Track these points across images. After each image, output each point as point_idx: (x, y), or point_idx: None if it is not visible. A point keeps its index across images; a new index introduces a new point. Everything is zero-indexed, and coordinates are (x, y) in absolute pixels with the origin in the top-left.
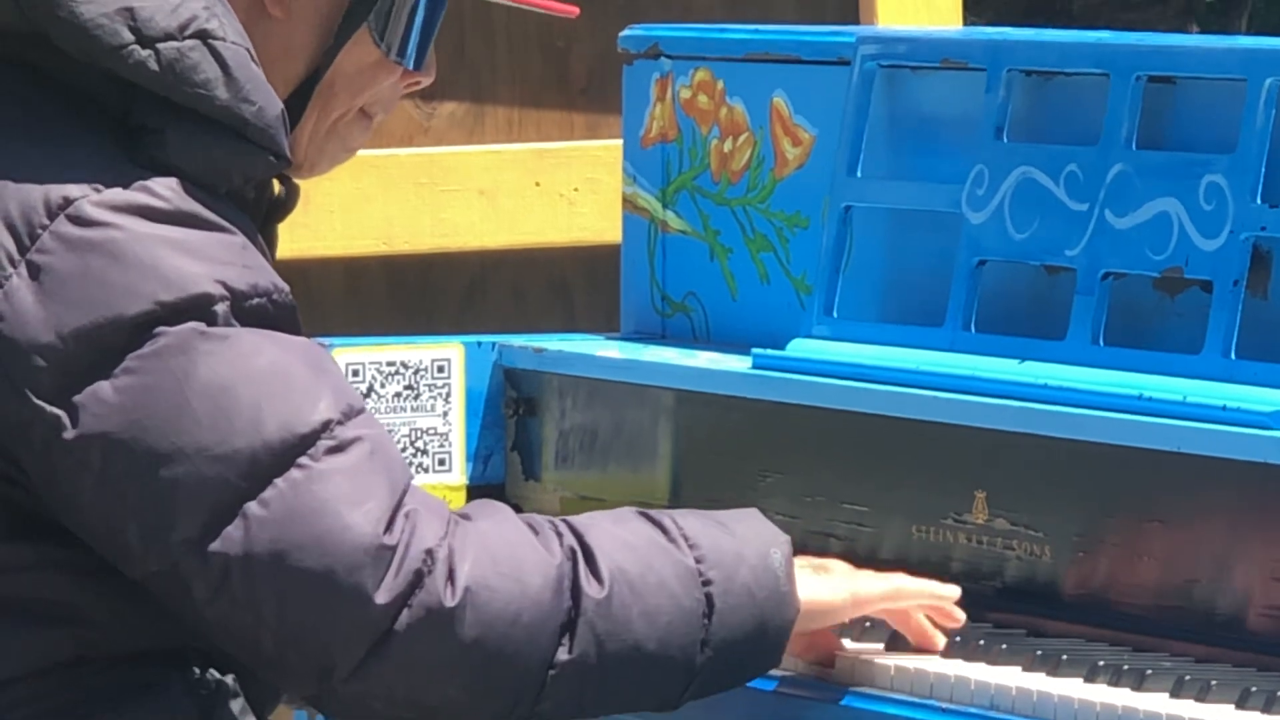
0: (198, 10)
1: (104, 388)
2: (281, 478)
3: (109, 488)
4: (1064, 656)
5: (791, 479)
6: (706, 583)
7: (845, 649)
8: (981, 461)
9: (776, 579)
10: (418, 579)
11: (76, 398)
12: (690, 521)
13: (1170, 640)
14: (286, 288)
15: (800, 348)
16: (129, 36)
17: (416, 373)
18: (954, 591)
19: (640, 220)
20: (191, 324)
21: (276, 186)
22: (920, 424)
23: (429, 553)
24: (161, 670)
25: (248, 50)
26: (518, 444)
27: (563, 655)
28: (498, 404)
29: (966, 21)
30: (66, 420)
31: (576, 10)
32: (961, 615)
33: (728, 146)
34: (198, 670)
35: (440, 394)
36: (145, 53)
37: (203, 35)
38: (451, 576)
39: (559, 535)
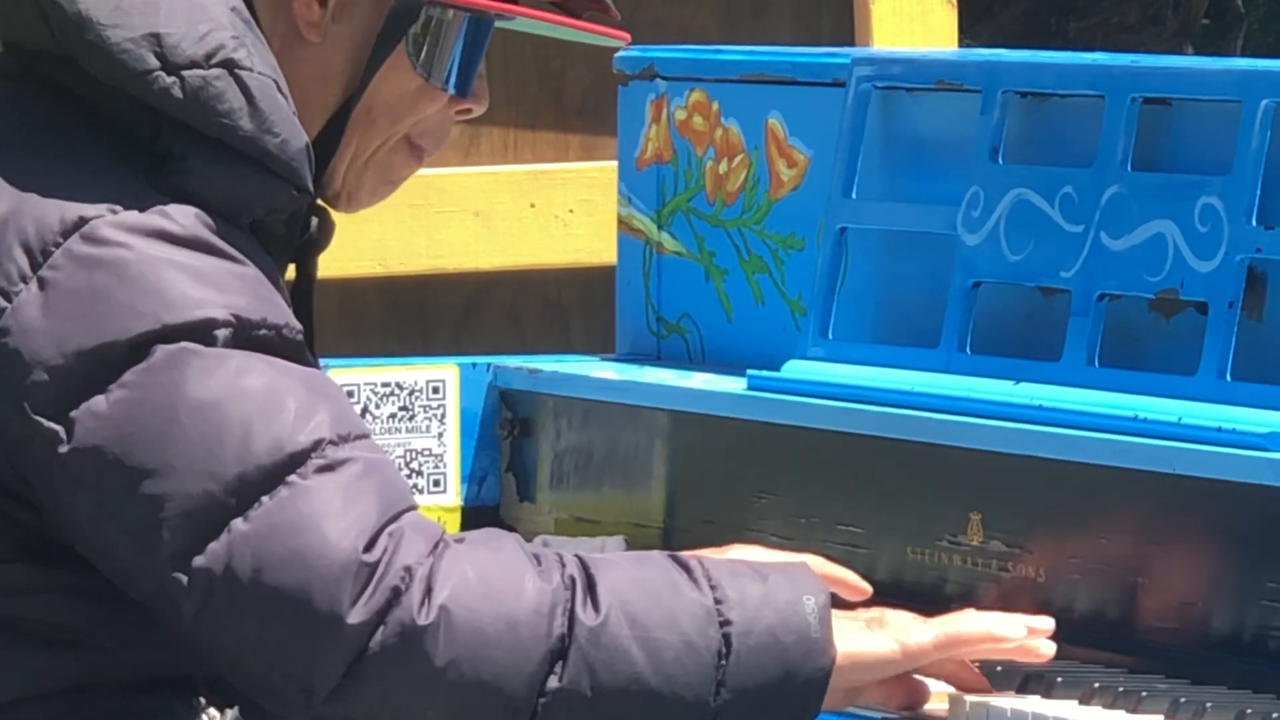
0: (225, 39)
1: (99, 402)
2: (269, 495)
3: (102, 503)
4: (1059, 679)
5: (786, 500)
6: (725, 623)
7: (930, 693)
8: (976, 483)
9: (807, 625)
10: (394, 596)
11: (74, 413)
12: (719, 565)
13: (1165, 662)
14: (298, 325)
15: (795, 369)
16: (154, 63)
17: (411, 394)
18: (1017, 632)
19: (635, 241)
20: (186, 343)
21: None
22: (915, 445)
23: (408, 570)
24: (166, 698)
25: (275, 82)
26: (513, 465)
27: (553, 683)
28: (493, 425)
29: (961, 43)
30: (63, 435)
31: (628, 36)
32: (1050, 649)
33: (723, 168)
34: (202, 700)
35: (435, 415)
36: (170, 80)
37: (229, 65)
38: (429, 595)
39: (561, 566)
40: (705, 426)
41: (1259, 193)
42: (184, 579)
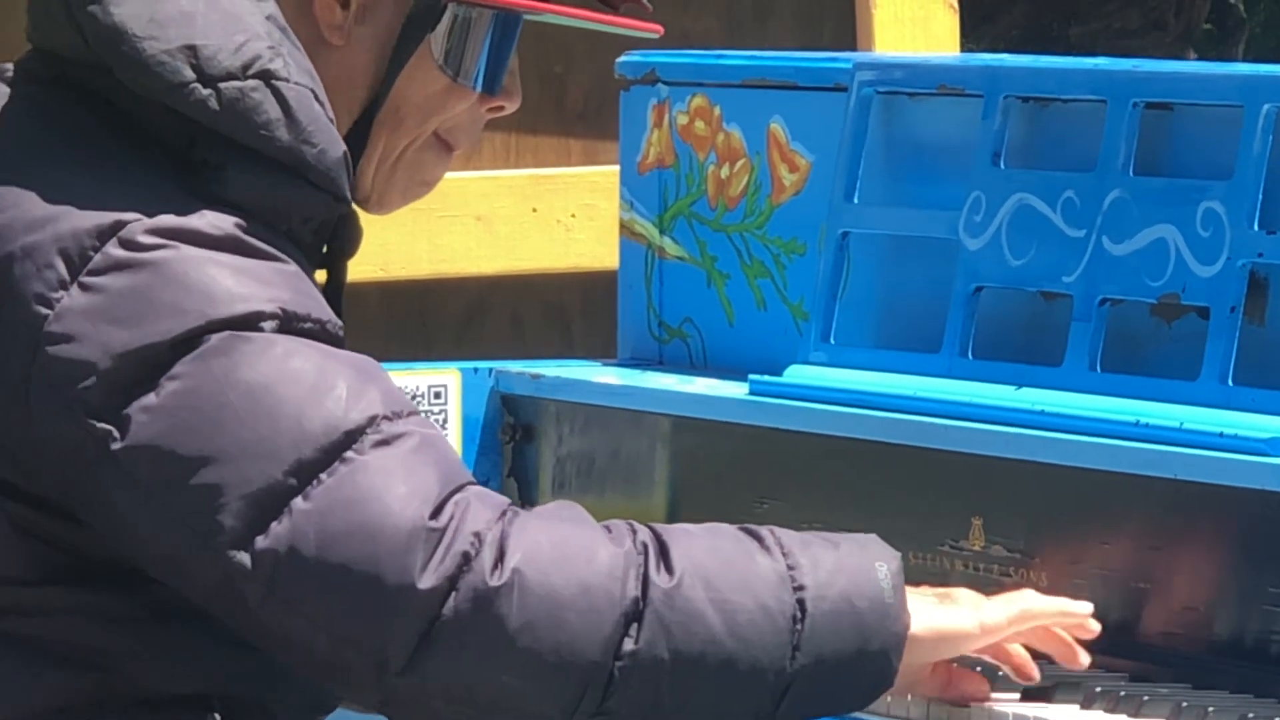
0: (261, 50)
1: (149, 398)
2: (327, 472)
3: (158, 497)
4: (1061, 684)
5: (788, 505)
6: (799, 588)
7: (988, 692)
8: (978, 488)
9: (881, 590)
10: (465, 560)
11: (126, 410)
12: (790, 534)
13: (1167, 667)
14: (340, 322)
15: (797, 374)
16: (190, 75)
17: (413, 399)
18: (1086, 607)
19: (637, 246)
20: (233, 331)
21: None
22: (917, 450)
23: (477, 535)
24: (182, 716)
25: (312, 91)
26: (515, 470)
27: (629, 645)
28: (495, 430)
29: (963, 48)
30: (116, 433)
31: (661, 28)
32: (1096, 627)
33: (725, 172)
34: (218, 717)
35: (437, 420)
36: (206, 91)
37: (265, 75)
38: (501, 558)
39: (633, 531)
40: (707, 431)
41: (1260, 197)
42: (248, 561)
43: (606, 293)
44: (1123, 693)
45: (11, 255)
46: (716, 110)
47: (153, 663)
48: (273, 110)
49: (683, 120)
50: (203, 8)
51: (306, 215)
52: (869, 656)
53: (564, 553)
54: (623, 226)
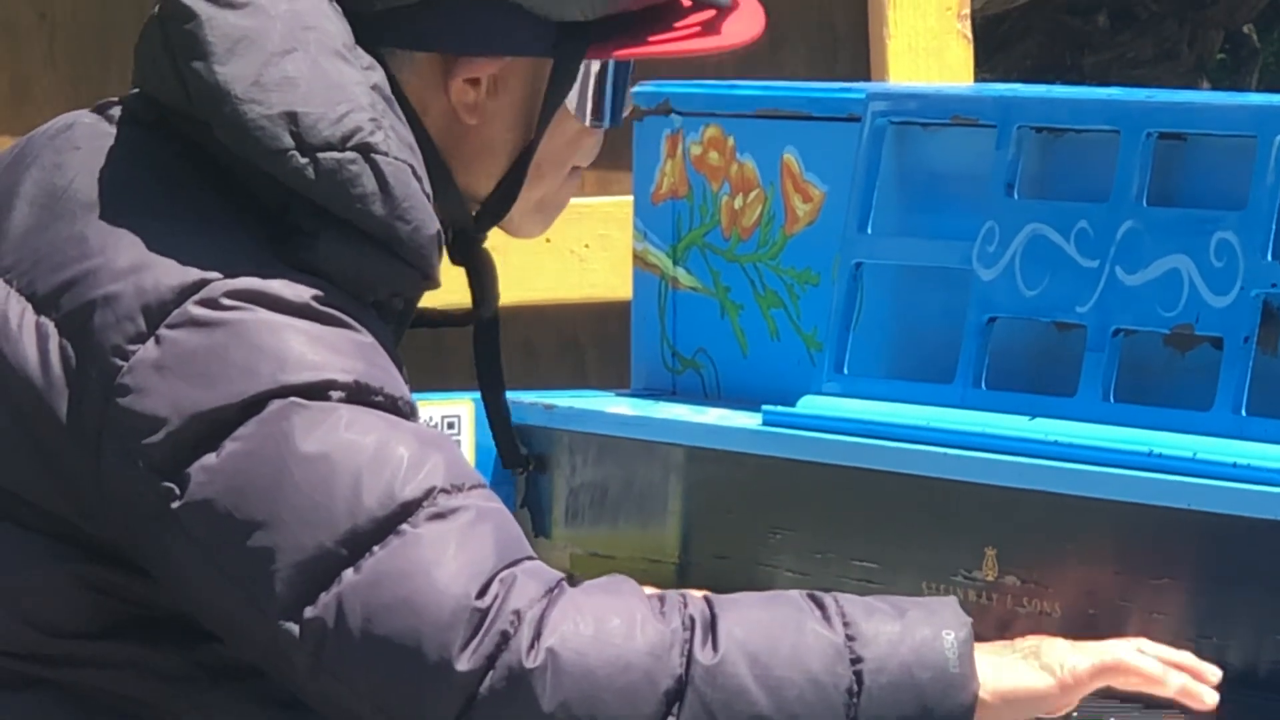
0: (363, 122)
1: (210, 458)
2: (380, 544)
3: (213, 557)
4: (1074, 714)
5: (802, 536)
6: (856, 660)
7: None
8: (992, 518)
9: (945, 660)
10: (503, 640)
11: (188, 469)
12: (855, 603)
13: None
14: (414, 401)
15: (811, 404)
16: (289, 142)
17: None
18: (1175, 681)
19: (651, 277)
20: (295, 397)
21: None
22: (931, 481)
23: (517, 613)
24: None
25: (411, 166)
26: (528, 501)
27: None
28: None
29: (977, 78)
30: (177, 491)
31: (759, 31)
32: (1213, 699)
33: (738, 203)
34: None
35: None
36: (304, 160)
37: (365, 149)
38: (538, 637)
39: (683, 605)
40: (720, 462)
41: (1274, 228)
42: (296, 630)
43: (620, 323)
44: None
45: (94, 303)
46: (730, 140)
47: None
48: (369, 184)
49: (696, 150)
50: (308, 73)
51: (394, 290)
52: None
53: (604, 631)
54: (636, 257)
